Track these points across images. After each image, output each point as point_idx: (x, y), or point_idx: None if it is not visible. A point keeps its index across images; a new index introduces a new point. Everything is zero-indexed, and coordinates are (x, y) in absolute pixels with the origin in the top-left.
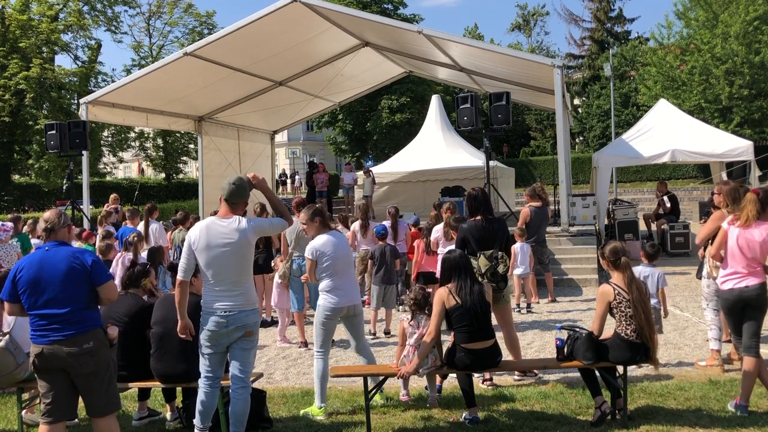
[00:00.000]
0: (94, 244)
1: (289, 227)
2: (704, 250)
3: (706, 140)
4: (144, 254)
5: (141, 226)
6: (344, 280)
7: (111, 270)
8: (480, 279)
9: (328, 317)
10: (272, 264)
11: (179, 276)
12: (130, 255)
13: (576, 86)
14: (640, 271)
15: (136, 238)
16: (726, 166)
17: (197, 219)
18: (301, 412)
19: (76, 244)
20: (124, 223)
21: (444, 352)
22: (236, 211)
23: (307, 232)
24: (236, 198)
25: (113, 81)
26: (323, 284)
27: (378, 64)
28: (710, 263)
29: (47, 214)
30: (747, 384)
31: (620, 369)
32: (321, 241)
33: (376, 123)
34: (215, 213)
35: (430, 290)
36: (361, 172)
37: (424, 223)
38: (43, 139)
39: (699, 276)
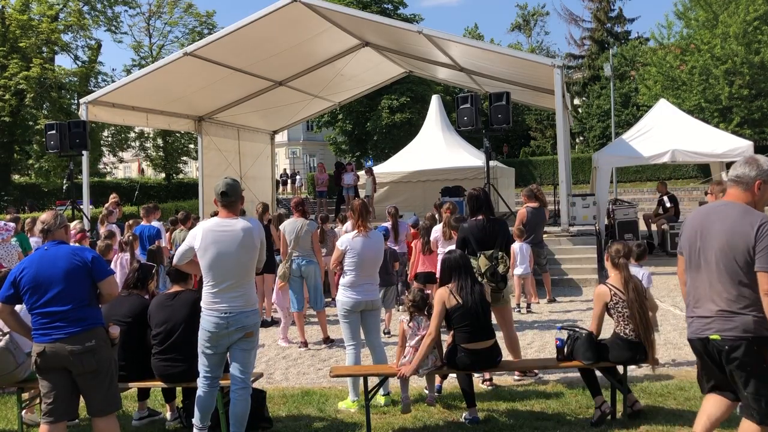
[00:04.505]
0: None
1: (288, 228)
2: None
3: (706, 140)
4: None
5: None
6: (366, 278)
7: None
8: (480, 279)
9: (348, 312)
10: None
11: (174, 261)
12: (127, 255)
13: (576, 86)
14: None
15: (131, 238)
16: (726, 166)
17: (197, 219)
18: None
19: None
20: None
21: (444, 352)
22: (234, 211)
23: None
24: (226, 199)
25: (113, 81)
26: (343, 279)
27: (378, 64)
28: None
29: (44, 215)
30: None
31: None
32: (350, 236)
33: (376, 123)
34: (215, 213)
35: (429, 292)
36: (362, 172)
37: (421, 223)
38: (43, 139)
39: None
